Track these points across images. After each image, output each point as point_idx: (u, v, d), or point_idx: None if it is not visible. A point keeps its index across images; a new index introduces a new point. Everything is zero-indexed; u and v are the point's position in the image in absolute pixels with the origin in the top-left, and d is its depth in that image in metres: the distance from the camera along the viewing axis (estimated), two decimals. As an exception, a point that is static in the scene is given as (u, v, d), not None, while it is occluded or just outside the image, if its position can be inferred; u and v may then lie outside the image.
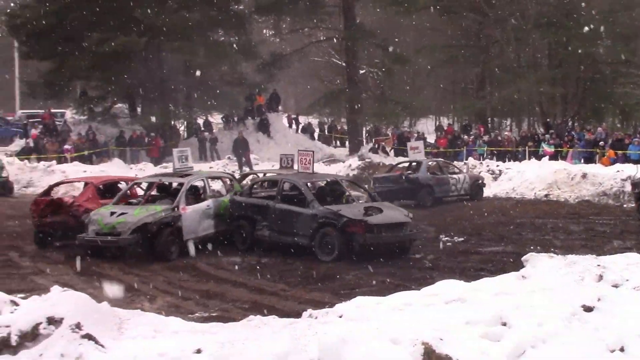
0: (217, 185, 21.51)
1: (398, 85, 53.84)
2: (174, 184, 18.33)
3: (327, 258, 15.36)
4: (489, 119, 47.06)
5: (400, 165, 28.56)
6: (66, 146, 36.87)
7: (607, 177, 25.77)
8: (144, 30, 37.30)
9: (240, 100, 43.54)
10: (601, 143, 32.52)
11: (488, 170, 30.38)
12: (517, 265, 10.98)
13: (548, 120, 40.60)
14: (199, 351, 6.79)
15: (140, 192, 19.29)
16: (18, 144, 42.15)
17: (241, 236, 17.22)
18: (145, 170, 32.43)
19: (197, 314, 11.00)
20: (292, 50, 48.71)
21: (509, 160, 33.84)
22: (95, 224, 16.00)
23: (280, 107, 47.87)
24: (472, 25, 45.95)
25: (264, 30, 63.21)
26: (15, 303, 7.82)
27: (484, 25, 43.61)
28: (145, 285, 13.27)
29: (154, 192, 18.15)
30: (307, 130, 49.30)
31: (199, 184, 18.33)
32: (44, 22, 37.94)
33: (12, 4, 50.96)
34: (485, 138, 37.99)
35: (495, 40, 43.34)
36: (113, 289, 11.92)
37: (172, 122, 44.19)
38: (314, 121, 55.17)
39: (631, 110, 42.92)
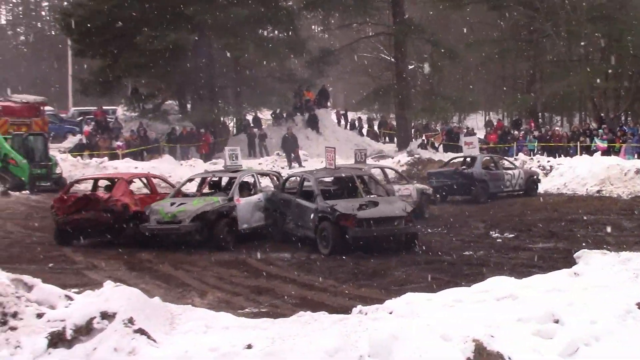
0: (265, 181, 21.91)
1: (447, 80, 53.57)
2: (226, 180, 19.26)
3: (325, 251, 15.75)
4: (540, 114, 46.53)
5: (454, 161, 28.41)
6: (118, 143, 37.40)
7: (661, 172, 25.34)
8: (193, 27, 37.64)
9: (289, 97, 43.63)
10: (655, 138, 32.03)
11: (539, 166, 30.06)
12: (569, 262, 10.86)
13: (601, 115, 40.01)
14: (249, 346, 6.81)
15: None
16: (71, 140, 42.77)
17: (275, 229, 18.04)
18: (195, 166, 32.74)
19: (247, 310, 11.03)
20: (341, 45, 48.73)
21: (560, 156, 33.45)
22: (157, 213, 16.84)
23: (329, 103, 47.93)
24: (522, 19, 45.49)
25: (313, 26, 63.30)
26: (69, 298, 7.95)
27: (534, 19, 43.13)
28: (196, 281, 13.37)
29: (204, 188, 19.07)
30: (355, 126, 49.21)
31: (250, 179, 19.21)
32: (96, 20, 38.47)
33: (65, 3, 51.75)
34: (536, 133, 37.60)
35: (546, 34, 42.80)
36: None
37: (222, 119, 44.53)
38: (363, 117, 55.09)
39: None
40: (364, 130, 49.25)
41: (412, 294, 9.09)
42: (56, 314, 7.42)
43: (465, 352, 6.67)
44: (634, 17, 39.14)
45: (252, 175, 19.36)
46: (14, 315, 7.21)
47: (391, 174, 23.43)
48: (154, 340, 6.89)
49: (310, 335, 6.95)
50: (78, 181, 20.35)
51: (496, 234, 18.02)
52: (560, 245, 16.24)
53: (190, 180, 20.19)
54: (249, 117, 45.17)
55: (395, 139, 44.84)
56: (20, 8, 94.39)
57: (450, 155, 33.10)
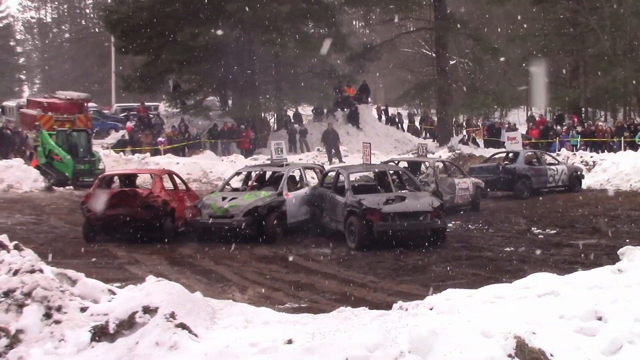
0: (309, 175, 22.14)
1: (489, 75, 53.14)
2: (271, 173, 19.48)
3: (352, 244, 15.93)
4: (583, 109, 45.97)
5: (497, 156, 28.25)
6: (160, 138, 37.71)
7: None
8: (234, 24, 37.82)
9: (329, 92, 43.60)
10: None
11: (582, 162, 29.71)
12: (613, 259, 10.75)
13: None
14: (290, 342, 6.83)
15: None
16: (114, 136, 43.24)
17: (314, 224, 18.31)
18: (236, 162, 32.91)
19: (287, 305, 11.07)
20: (382, 41, 48.61)
21: (604, 151, 33.05)
22: (209, 208, 17.18)
23: (369, 99, 47.82)
24: (565, 13, 44.97)
25: (354, 22, 63.23)
26: (112, 292, 8.05)
27: (578, 13, 42.62)
28: (236, 276, 13.44)
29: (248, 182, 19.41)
30: (395, 121, 49.04)
31: (297, 173, 19.57)
32: (138, 17, 38.87)
33: (109, 0, 52.34)
34: (579, 129, 37.16)
35: (590, 29, 42.22)
36: None
37: (263, 115, 44.67)
38: (403, 112, 54.89)
39: None
40: (404, 126, 49.07)
41: (452, 290, 9.07)
42: (99, 308, 7.51)
43: (506, 349, 6.63)
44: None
45: (299, 169, 19.73)
46: (59, 309, 7.32)
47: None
48: (195, 335, 6.94)
49: (350, 331, 6.96)
50: (105, 177, 19.44)
51: (538, 230, 17.86)
52: (603, 241, 16.05)
53: (238, 174, 20.60)
54: (290, 113, 45.25)
55: (437, 135, 44.65)
56: (65, 6, 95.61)
57: (492, 150, 32.83)
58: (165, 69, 41.36)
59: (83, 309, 7.48)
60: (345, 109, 42.96)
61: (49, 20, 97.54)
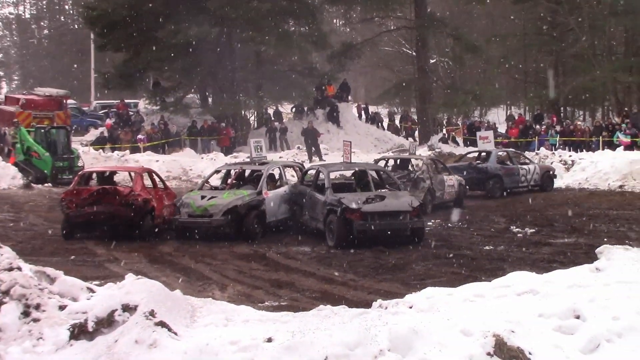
0: (289, 173, 22.20)
1: (469, 74, 53.35)
2: (251, 172, 19.47)
3: (331, 243, 15.97)
4: (562, 108, 46.25)
5: (469, 155, 28.32)
6: (139, 136, 37.55)
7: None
8: (215, 21, 37.68)
9: (310, 90, 43.53)
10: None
11: (560, 161, 29.91)
12: (591, 258, 10.80)
13: (624, 109, 39.68)
14: (270, 340, 6.84)
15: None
16: (93, 133, 43.01)
17: (294, 222, 18.34)
18: (215, 159, 32.78)
19: (267, 303, 11.06)
20: (363, 39, 48.63)
21: (582, 151, 33.27)
22: (188, 206, 17.14)
23: (350, 97, 47.83)
24: (545, 13, 45.20)
25: (335, 20, 63.22)
26: (91, 290, 8.02)
27: (557, 13, 42.86)
28: (216, 274, 13.41)
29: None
30: (375, 119, 49.06)
31: (276, 171, 19.47)
32: (118, 13, 38.67)
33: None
34: (558, 128, 37.37)
35: (569, 28, 42.52)
36: None
37: (243, 112, 44.58)
38: (383, 111, 54.96)
39: None
40: (384, 124, 49.14)
41: (432, 288, 9.10)
42: (78, 306, 7.49)
43: (485, 347, 6.67)
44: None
45: (278, 168, 19.68)
46: (37, 307, 7.29)
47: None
48: (175, 333, 6.93)
49: (330, 329, 6.97)
50: (84, 174, 19.16)
51: (517, 229, 17.94)
52: (581, 240, 16.16)
53: (217, 171, 20.51)
54: (270, 111, 45.20)
55: (416, 133, 44.73)
56: (44, 2, 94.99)
57: (471, 149, 32.99)
58: (145, 66, 41.13)
59: (62, 307, 7.46)
60: (325, 108, 42.92)
61: (27, 16, 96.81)
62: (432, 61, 48.20)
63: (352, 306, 8.57)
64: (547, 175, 26.68)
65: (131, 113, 43.94)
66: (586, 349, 6.84)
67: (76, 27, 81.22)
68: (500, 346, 6.69)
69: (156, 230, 17.48)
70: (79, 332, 7.08)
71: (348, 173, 21.22)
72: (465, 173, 24.86)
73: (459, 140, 41.71)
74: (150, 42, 38.55)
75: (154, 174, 19.53)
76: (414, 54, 48.55)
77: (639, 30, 41.21)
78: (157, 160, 31.50)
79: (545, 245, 15.77)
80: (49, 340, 6.99)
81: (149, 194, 17.70)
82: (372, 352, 6.56)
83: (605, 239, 14.99)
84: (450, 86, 47.76)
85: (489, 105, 54.89)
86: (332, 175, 18.38)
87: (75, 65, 74.95)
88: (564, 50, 43.58)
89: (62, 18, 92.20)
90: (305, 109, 43.64)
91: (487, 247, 15.69)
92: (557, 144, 35.20)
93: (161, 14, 37.69)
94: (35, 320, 7.16)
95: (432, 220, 19.06)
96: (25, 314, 7.18)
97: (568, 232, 17.36)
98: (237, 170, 19.65)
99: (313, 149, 36.26)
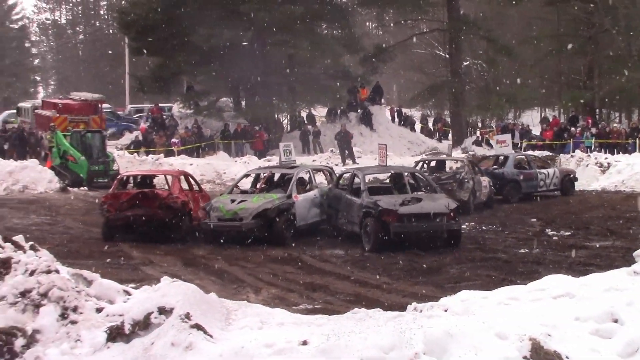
0: (318, 177, 22.23)
1: (502, 76, 52.99)
2: (280, 175, 19.55)
3: (367, 246, 15.82)
4: (597, 110, 45.80)
5: (487, 160, 28.01)
6: (173, 140, 37.78)
7: None
8: (248, 25, 37.85)
9: (343, 93, 43.55)
10: None
11: (596, 163, 29.60)
12: (628, 261, 10.69)
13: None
14: (305, 343, 6.85)
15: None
16: (128, 137, 43.34)
17: (330, 225, 18.34)
18: (249, 163, 32.93)
19: (301, 306, 11.07)
20: (395, 42, 48.55)
21: (618, 153, 32.92)
22: (218, 210, 17.11)
23: (383, 100, 47.76)
24: (580, 14, 44.81)
25: (367, 23, 63.15)
26: (127, 293, 8.08)
27: (592, 14, 42.47)
28: (250, 277, 13.46)
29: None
30: (408, 122, 48.92)
31: (305, 175, 19.39)
32: (152, 18, 39.00)
33: (123, 2, 52.52)
34: (593, 130, 37.00)
35: (604, 29, 42.07)
36: None
37: (276, 116, 44.70)
38: (416, 114, 54.80)
39: None
40: (417, 127, 48.99)
41: (467, 291, 9.06)
42: (115, 308, 7.55)
43: (521, 351, 6.63)
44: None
45: (308, 172, 19.62)
46: (75, 309, 7.35)
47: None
48: (210, 336, 6.96)
49: (365, 332, 6.97)
50: (123, 178, 19.46)
51: (552, 232, 17.81)
52: (618, 243, 16.00)
53: (247, 175, 20.57)
54: (303, 114, 45.28)
55: (450, 136, 44.56)
56: (79, 7, 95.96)
57: (490, 153, 32.74)
58: (179, 70, 41.42)
59: (99, 310, 7.52)
60: (358, 111, 42.91)
61: (63, 21, 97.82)
62: (465, 63, 47.96)
63: (386, 309, 8.57)
64: (568, 179, 26.11)
65: (165, 117, 44.23)
66: (624, 352, 6.77)
67: (111, 32, 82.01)
68: (536, 350, 6.65)
69: (195, 233, 17.60)
70: (116, 334, 7.14)
71: (383, 176, 21.21)
72: None
73: (493, 142, 41.44)
74: (183, 46, 38.85)
75: (189, 177, 19.76)
76: (447, 56, 48.36)
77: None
78: (191, 164, 31.68)
79: (581, 248, 15.60)
80: (86, 342, 7.05)
81: (187, 197, 17.93)
82: (407, 355, 6.55)
83: (642, 242, 14.83)
84: (483, 88, 47.53)
85: (523, 107, 54.52)
86: (368, 179, 18.31)
87: (110, 70, 75.70)
88: (599, 51, 43.15)
89: (97, 23, 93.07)
90: (338, 112, 43.64)
91: (522, 250, 15.59)
92: (593, 146, 34.87)
93: (194, 19, 37.92)
94: (73, 322, 7.23)
95: (467, 223, 18.94)
96: (63, 316, 7.25)
97: (604, 235, 17.18)
98: (266, 174, 19.69)
99: (346, 152, 36.27)
